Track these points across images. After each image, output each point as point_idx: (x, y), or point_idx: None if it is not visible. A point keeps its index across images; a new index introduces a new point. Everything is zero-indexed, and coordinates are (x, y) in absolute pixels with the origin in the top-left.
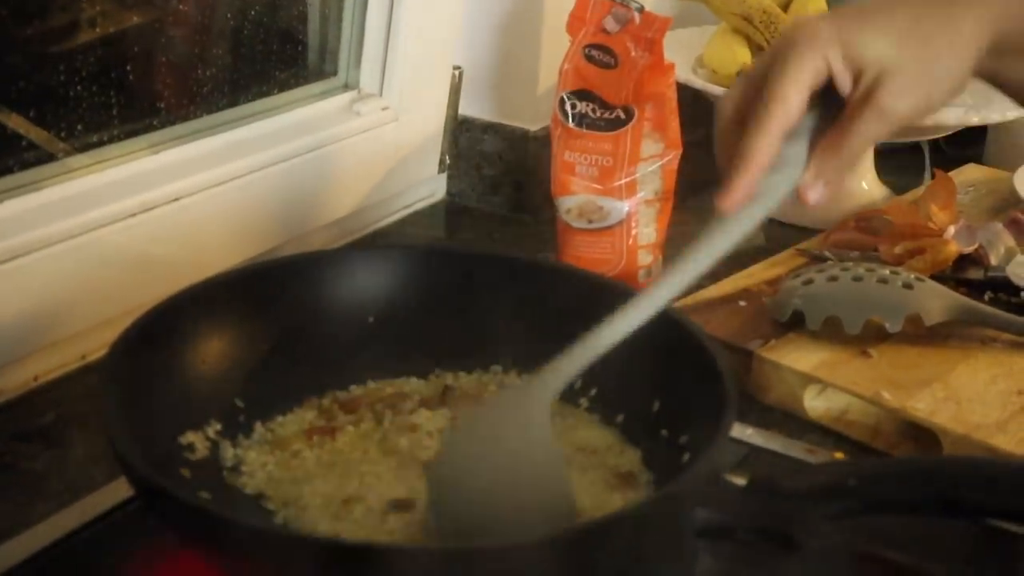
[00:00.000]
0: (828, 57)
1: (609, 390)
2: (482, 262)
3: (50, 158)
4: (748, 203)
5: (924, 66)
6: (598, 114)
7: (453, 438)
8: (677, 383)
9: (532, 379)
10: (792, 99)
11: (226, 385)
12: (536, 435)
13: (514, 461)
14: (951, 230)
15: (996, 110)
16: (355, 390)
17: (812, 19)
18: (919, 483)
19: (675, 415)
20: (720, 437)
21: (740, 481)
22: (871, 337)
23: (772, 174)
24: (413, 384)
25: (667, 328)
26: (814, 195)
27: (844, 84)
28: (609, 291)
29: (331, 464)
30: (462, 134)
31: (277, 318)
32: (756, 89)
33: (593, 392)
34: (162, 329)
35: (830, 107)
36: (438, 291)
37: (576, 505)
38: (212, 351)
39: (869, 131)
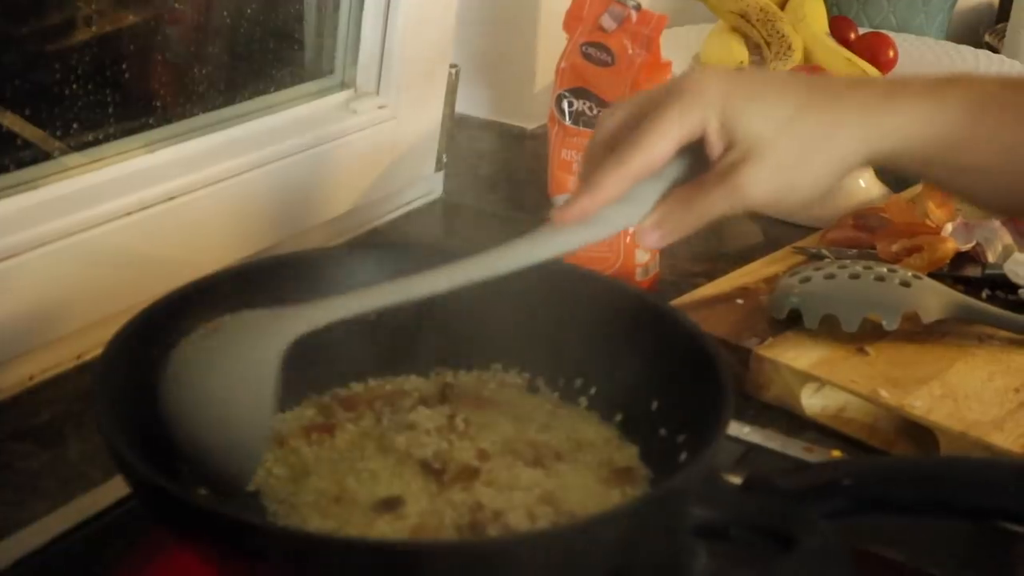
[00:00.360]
0: (705, 120)
1: (608, 389)
2: None
3: (45, 157)
4: (581, 224)
5: (792, 162)
6: (595, 112)
7: (188, 350)
8: (675, 382)
9: (275, 318)
10: (656, 149)
11: None
12: (257, 372)
13: (230, 388)
14: (948, 228)
15: None
16: (355, 387)
17: (708, 75)
18: (915, 483)
19: (673, 414)
20: (717, 436)
21: (737, 480)
22: (868, 335)
23: (618, 205)
24: (413, 382)
25: (665, 327)
26: (648, 240)
27: (713, 150)
28: (606, 289)
29: (328, 461)
30: (459, 132)
31: None
32: (635, 120)
33: (592, 391)
34: (159, 326)
35: (700, 163)
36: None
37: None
38: None
39: (717, 204)
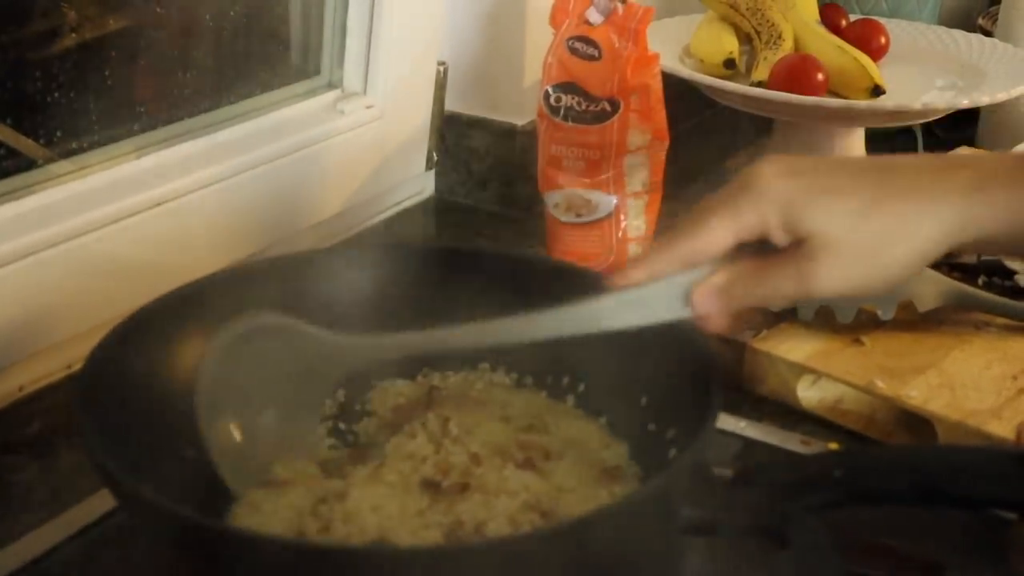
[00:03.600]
0: (765, 219)
1: (597, 386)
2: (466, 258)
3: (31, 165)
4: (630, 304)
5: (866, 256)
6: (583, 107)
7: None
8: (664, 376)
9: (356, 342)
10: (705, 240)
11: None
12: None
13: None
14: None
15: (986, 92)
16: (339, 395)
17: (772, 170)
18: (906, 473)
19: (663, 409)
20: (704, 432)
21: (728, 474)
22: (864, 325)
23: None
24: (399, 386)
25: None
26: (708, 303)
27: (778, 241)
28: (592, 284)
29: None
30: (449, 130)
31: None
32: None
33: (581, 388)
34: (142, 336)
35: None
36: (422, 290)
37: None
38: (194, 358)
39: (785, 289)
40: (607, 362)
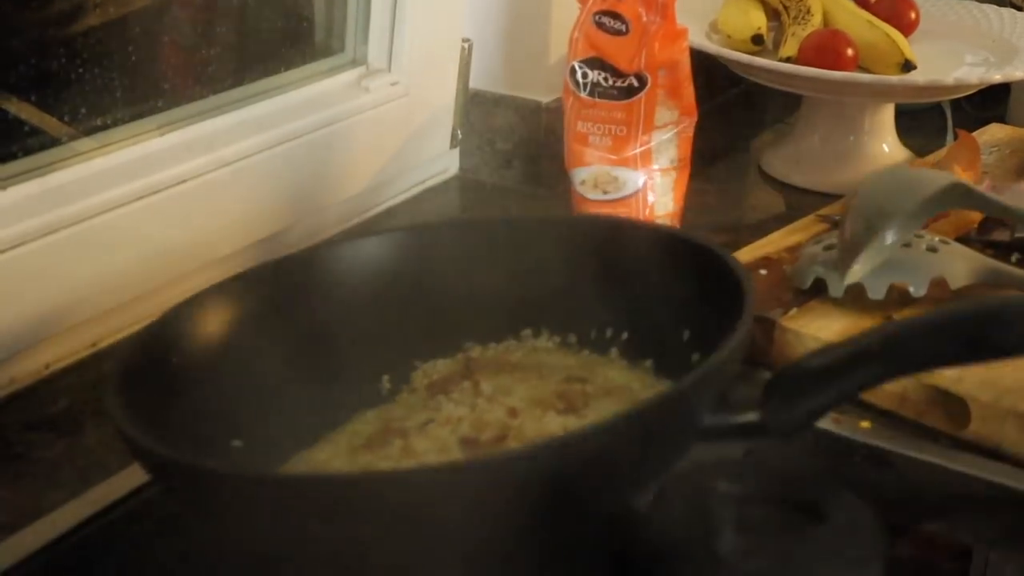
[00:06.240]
0: None
1: (639, 330)
2: (498, 226)
3: (55, 143)
4: None
5: None
6: (610, 82)
7: None
8: (703, 306)
9: None
10: None
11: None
12: None
13: None
14: None
15: (1019, 67)
16: (384, 381)
17: None
18: (946, 333)
19: (705, 340)
20: (736, 334)
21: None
22: (895, 303)
23: None
24: (439, 365)
25: (680, 250)
26: None
27: None
28: (632, 233)
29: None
30: (473, 108)
31: (298, 313)
32: None
33: (624, 336)
34: (181, 330)
35: None
36: (457, 264)
37: None
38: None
39: None
40: (647, 304)
